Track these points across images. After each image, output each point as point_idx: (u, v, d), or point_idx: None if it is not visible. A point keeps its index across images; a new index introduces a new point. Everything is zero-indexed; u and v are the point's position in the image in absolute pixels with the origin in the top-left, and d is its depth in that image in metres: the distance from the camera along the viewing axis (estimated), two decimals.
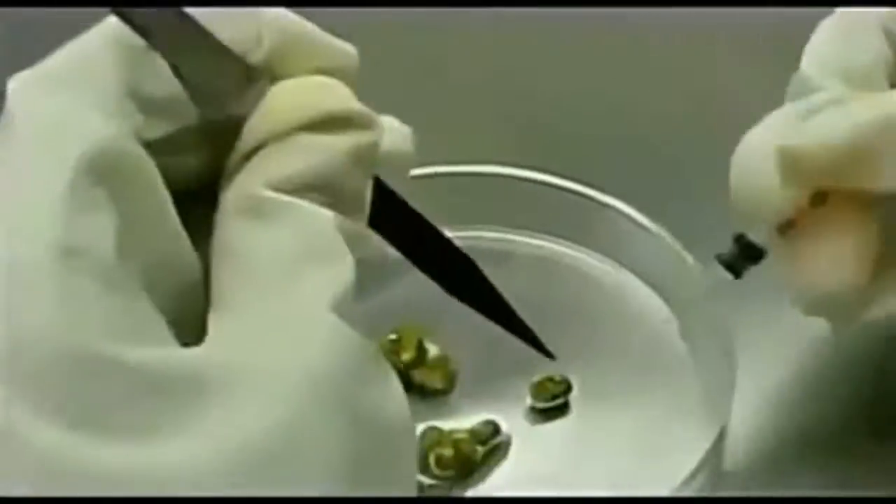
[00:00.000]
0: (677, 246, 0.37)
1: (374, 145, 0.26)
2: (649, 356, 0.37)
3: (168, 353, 0.23)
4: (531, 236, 0.41)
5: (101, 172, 0.23)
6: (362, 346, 0.24)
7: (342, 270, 0.24)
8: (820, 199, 0.33)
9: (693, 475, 0.33)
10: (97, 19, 0.26)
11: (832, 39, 0.34)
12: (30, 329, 0.22)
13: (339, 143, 0.25)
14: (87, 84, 0.25)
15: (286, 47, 0.26)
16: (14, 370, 0.22)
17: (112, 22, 0.25)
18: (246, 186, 0.25)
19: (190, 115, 0.25)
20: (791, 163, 0.32)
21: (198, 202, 0.25)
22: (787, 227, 0.33)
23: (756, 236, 0.34)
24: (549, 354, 0.32)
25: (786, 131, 0.32)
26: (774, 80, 0.34)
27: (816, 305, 0.34)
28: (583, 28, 0.49)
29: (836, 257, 0.33)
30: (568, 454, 0.35)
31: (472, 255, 0.29)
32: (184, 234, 0.25)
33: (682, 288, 0.37)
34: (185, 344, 0.24)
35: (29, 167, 0.23)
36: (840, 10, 0.34)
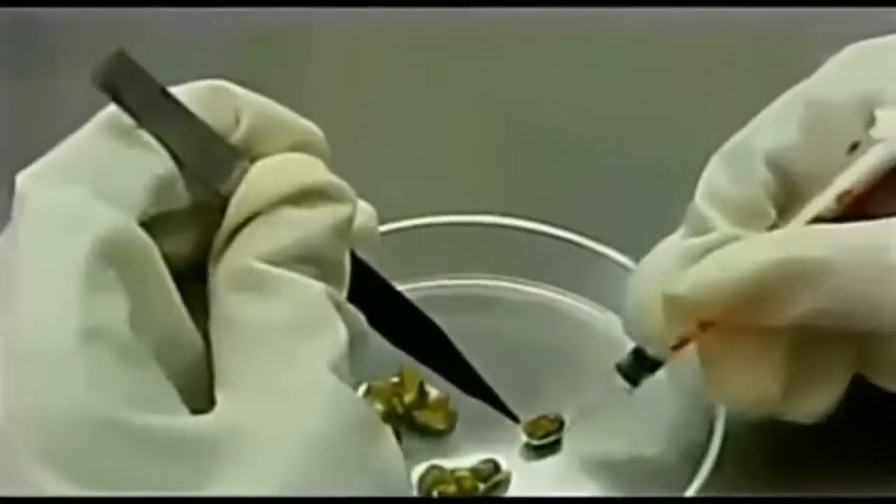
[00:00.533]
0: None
1: (351, 217, 0.28)
2: (637, 392, 0.38)
3: (183, 421, 0.24)
4: (520, 283, 0.42)
5: (111, 258, 0.25)
6: (360, 405, 0.26)
7: (336, 336, 0.26)
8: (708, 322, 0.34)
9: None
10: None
11: (718, 173, 0.35)
12: (62, 405, 0.23)
13: (321, 216, 0.27)
14: (90, 173, 0.26)
15: (262, 127, 0.28)
16: (47, 438, 0.23)
17: (109, 112, 0.27)
18: (238, 260, 0.26)
19: (182, 195, 0.27)
20: (677, 307, 0.34)
21: (189, 280, 0.27)
22: (680, 345, 0.35)
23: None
24: (514, 418, 0.35)
25: (674, 270, 0.34)
26: None
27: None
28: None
29: (739, 379, 0.34)
30: (565, 488, 0.37)
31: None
32: (185, 311, 0.26)
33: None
34: (195, 412, 0.25)
35: (46, 255, 0.25)
36: (728, 144, 0.36)
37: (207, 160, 0.27)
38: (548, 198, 0.45)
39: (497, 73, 0.51)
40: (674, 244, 0.35)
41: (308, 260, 0.27)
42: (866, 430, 0.37)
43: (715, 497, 0.36)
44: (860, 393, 0.36)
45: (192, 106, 0.27)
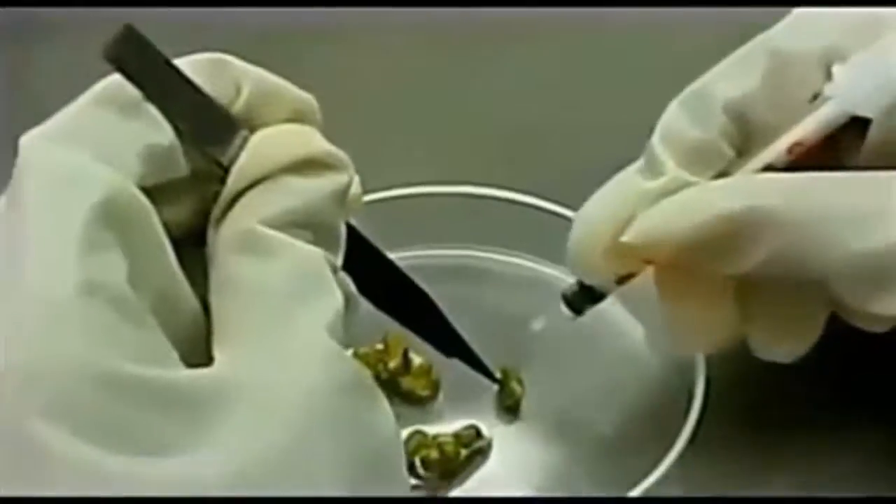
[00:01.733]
0: None
1: (349, 185, 0.29)
2: (618, 360, 0.39)
3: (182, 374, 0.25)
4: (504, 253, 0.43)
5: (110, 217, 0.25)
6: (354, 366, 0.26)
7: (334, 300, 0.27)
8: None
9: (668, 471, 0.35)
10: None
11: (677, 116, 0.35)
12: (63, 356, 0.24)
13: (321, 184, 0.28)
14: (91, 139, 0.26)
15: (261, 98, 0.29)
16: (49, 393, 0.23)
17: (111, 80, 0.27)
18: (239, 223, 0.27)
19: (181, 165, 0.28)
20: (624, 253, 0.34)
21: (187, 247, 0.28)
22: (623, 279, 0.36)
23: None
24: (495, 380, 0.37)
25: (621, 211, 0.34)
26: None
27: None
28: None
29: (685, 321, 0.35)
30: (547, 455, 0.37)
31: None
32: (181, 273, 0.27)
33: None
34: (193, 367, 0.25)
35: (48, 213, 0.25)
36: (688, 89, 0.36)
37: (208, 130, 0.28)
38: (533, 170, 0.45)
39: (491, 61, 0.52)
40: (623, 181, 0.36)
41: (307, 226, 0.27)
42: (845, 394, 0.38)
43: (708, 497, 0.36)
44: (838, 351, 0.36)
45: (194, 77, 0.27)
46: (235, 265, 0.27)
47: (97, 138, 0.26)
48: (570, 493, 0.36)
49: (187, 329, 0.27)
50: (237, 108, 0.28)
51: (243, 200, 0.27)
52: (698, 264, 0.34)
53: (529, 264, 0.43)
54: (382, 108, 0.50)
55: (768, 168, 0.34)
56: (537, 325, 0.39)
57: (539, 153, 0.48)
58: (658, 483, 0.35)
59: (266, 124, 0.28)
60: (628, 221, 0.34)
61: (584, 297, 0.37)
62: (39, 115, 0.27)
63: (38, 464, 0.23)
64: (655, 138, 0.35)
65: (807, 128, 0.34)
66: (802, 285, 0.34)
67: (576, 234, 0.36)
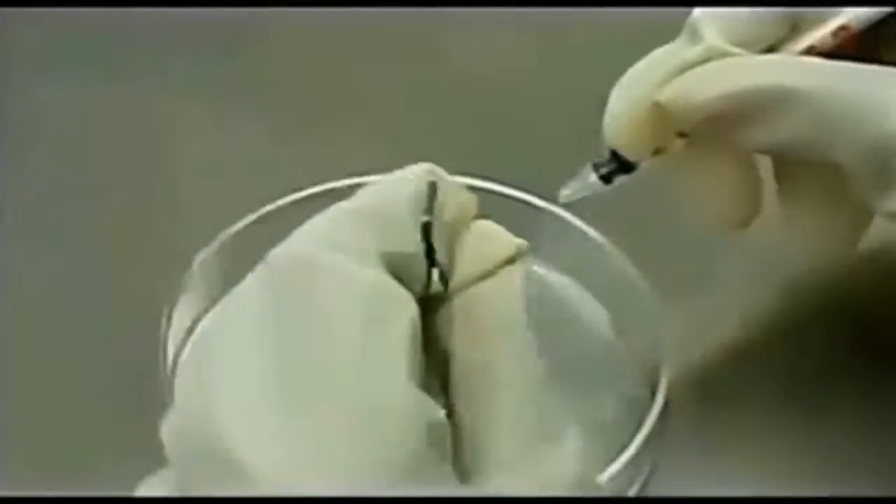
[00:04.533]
0: (608, 243, 0.39)
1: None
2: (583, 346, 0.39)
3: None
4: None
5: (415, 341, 0.26)
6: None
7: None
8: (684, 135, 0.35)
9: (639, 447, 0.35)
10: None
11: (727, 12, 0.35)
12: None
13: (522, 269, 0.30)
14: (376, 255, 0.27)
15: (460, 212, 0.31)
16: None
17: (372, 193, 0.29)
18: (496, 314, 0.29)
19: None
20: (654, 114, 0.35)
21: None
22: (656, 153, 0.36)
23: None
24: None
25: (657, 79, 0.35)
26: None
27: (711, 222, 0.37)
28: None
29: (707, 196, 0.36)
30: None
31: None
32: None
33: (614, 284, 0.39)
34: None
35: (376, 335, 0.25)
36: None
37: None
38: (502, 159, 0.46)
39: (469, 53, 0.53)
40: (662, 53, 0.36)
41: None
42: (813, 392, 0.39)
43: (708, 497, 0.36)
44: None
45: (413, 187, 0.29)
46: (496, 358, 0.28)
47: (379, 255, 0.27)
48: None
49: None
50: (447, 218, 0.30)
51: (475, 292, 0.29)
52: (724, 133, 0.34)
53: None
54: (352, 100, 0.51)
55: (811, 49, 0.35)
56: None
57: (508, 142, 0.49)
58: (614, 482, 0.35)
59: (456, 227, 0.30)
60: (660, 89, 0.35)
61: (615, 167, 0.36)
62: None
63: None
64: (697, 10, 0.35)
65: (855, 12, 0.35)
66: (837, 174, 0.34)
67: (613, 101, 0.36)
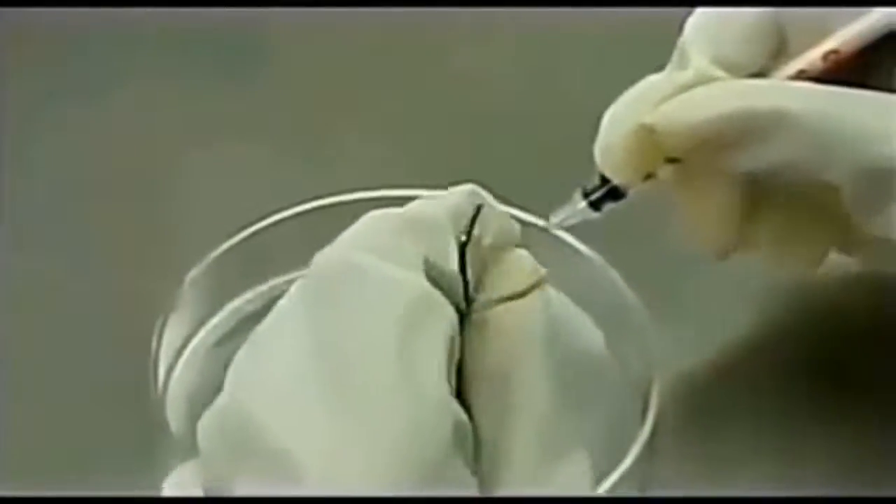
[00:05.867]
0: (601, 260, 0.39)
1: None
2: (575, 363, 0.38)
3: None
4: None
5: (452, 348, 0.28)
6: None
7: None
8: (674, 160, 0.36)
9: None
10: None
11: (708, 16, 0.36)
12: None
13: (546, 299, 0.32)
14: (415, 263, 0.29)
15: (500, 236, 0.32)
16: None
17: (416, 212, 0.31)
18: (516, 335, 0.30)
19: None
20: (643, 138, 0.35)
21: None
22: (647, 177, 0.36)
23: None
24: None
25: (647, 104, 0.35)
26: None
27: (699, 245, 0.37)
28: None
29: (697, 221, 0.36)
30: None
31: None
32: None
33: (606, 301, 0.39)
34: None
35: (418, 340, 0.27)
36: None
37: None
38: (500, 167, 0.46)
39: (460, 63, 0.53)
40: (653, 80, 0.36)
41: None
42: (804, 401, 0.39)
43: (708, 497, 0.37)
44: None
45: (455, 201, 0.31)
46: (519, 374, 0.29)
47: (420, 262, 0.28)
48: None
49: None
50: (487, 242, 0.31)
51: (501, 311, 0.30)
52: (713, 158, 0.34)
53: None
54: (363, 105, 0.51)
55: (801, 73, 0.35)
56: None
57: (506, 148, 0.49)
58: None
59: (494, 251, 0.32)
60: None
61: (604, 194, 0.37)
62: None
63: None
64: (686, 35, 0.36)
65: (844, 36, 0.35)
66: (813, 201, 0.35)
67: (604, 129, 0.36)
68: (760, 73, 0.35)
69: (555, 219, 0.38)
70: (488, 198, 0.32)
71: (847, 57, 0.35)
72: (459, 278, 0.30)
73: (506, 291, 0.31)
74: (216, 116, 0.51)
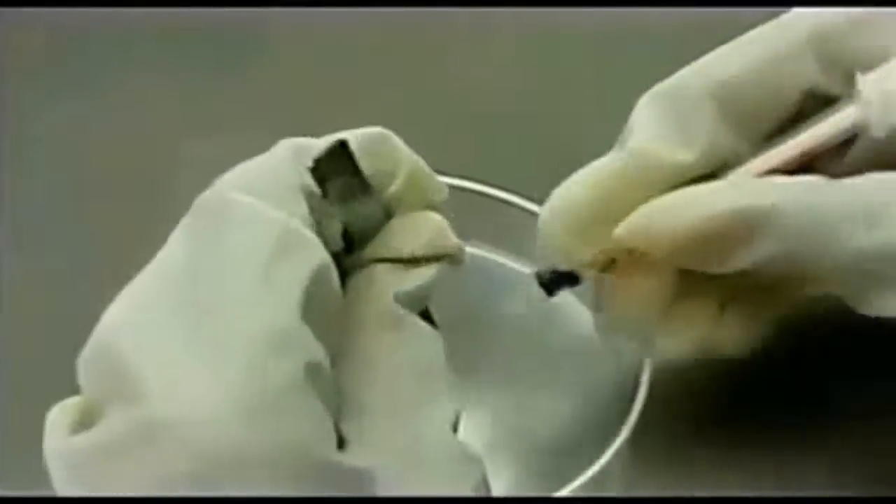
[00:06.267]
0: None
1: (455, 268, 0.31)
2: (564, 354, 0.39)
3: (351, 457, 0.26)
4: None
5: (318, 291, 0.26)
6: (482, 470, 0.27)
7: (452, 397, 0.28)
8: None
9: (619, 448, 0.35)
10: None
11: (650, 106, 0.35)
12: (293, 445, 0.24)
13: (440, 269, 0.30)
14: (288, 202, 0.27)
15: (410, 184, 0.31)
16: (272, 481, 0.24)
17: (290, 145, 0.29)
18: (383, 302, 0.29)
19: (336, 243, 0.29)
20: (612, 246, 0.34)
21: None
22: (605, 267, 0.35)
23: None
24: None
25: (594, 195, 0.34)
26: None
27: (617, 329, 0.37)
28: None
29: (640, 296, 0.35)
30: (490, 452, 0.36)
31: None
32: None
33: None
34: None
35: (273, 276, 0.25)
36: (657, 86, 0.35)
37: (370, 224, 0.30)
38: (498, 162, 0.47)
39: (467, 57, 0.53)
40: (596, 165, 0.35)
41: (419, 307, 0.29)
42: (797, 390, 0.39)
43: (709, 497, 0.37)
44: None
45: (361, 152, 0.29)
46: (375, 341, 0.28)
47: (291, 202, 0.27)
48: (508, 489, 0.37)
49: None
50: (391, 190, 0.30)
51: (376, 274, 0.29)
52: (692, 261, 0.34)
53: (487, 255, 0.43)
54: (362, 101, 0.51)
55: (774, 171, 0.34)
56: (490, 317, 0.39)
57: (506, 146, 0.49)
58: (594, 481, 0.35)
59: (403, 207, 0.31)
60: (598, 206, 0.34)
61: (559, 278, 0.36)
62: None
63: None
64: (629, 122, 0.35)
65: (824, 135, 0.34)
66: (755, 284, 0.35)
67: (547, 218, 0.35)
68: (710, 153, 0.34)
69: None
70: (399, 144, 0.31)
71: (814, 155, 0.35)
72: (339, 223, 0.29)
73: (391, 251, 0.30)
74: (216, 116, 0.51)
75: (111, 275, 0.44)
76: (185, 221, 0.27)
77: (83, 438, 0.24)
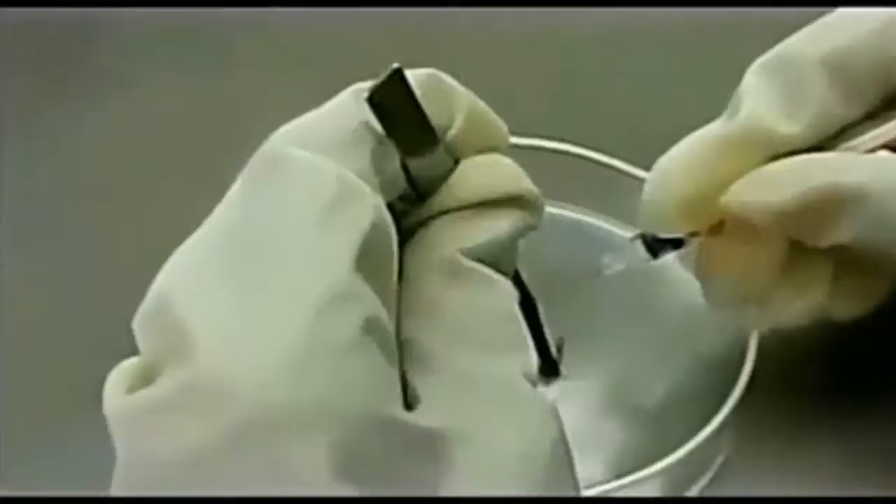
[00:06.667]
0: None
1: (535, 224, 0.29)
2: (672, 317, 0.39)
3: (421, 416, 0.24)
4: (560, 206, 0.42)
5: (374, 244, 0.25)
6: (559, 426, 0.26)
7: (529, 348, 0.27)
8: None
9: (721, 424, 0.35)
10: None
11: (760, 74, 0.35)
12: (350, 402, 0.23)
13: (516, 221, 0.28)
14: (344, 155, 0.26)
15: (471, 128, 0.29)
16: (337, 440, 0.22)
17: (350, 97, 0.27)
18: (447, 249, 0.27)
19: (399, 188, 0.28)
20: (701, 202, 0.34)
21: None
22: (692, 234, 0.36)
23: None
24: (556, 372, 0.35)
25: (700, 162, 0.34)
26: None
27: (723, 302, 0.36)
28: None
29: (747, 263, 0.35)
30: (596, 415, 0.38)
31: None
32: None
33: None
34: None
35: (326, 232, 0.24)
36: (771, 51, 0.35)
37: (417, 144, 0.28)
38: (607, 128, 0.46)
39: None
40: (700, 136, 0.35)
41: (496, 262, 0.28)
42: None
43: (713, 497, 0.36)
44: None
45: (416, 92, 0.27)
46: (440, 291, 0.27)
47: (349, 155, 0.26)
48: (614, 454, 0.36)
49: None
50: (451, 133, 0.28)
51: (441, 223, 0.28)
52: (791, 232, 0.34)
53: (592, 220, 0.43)
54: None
55: (887, 146, 0.34)
56: (596, 280, 0.38)
57: (616, 112, 0.49)
58: (703, 446, 0.35)
59: (468, 152, 0.29)
60: (705, 175, 0.34)
61: (663, 241, 0.36)
62: None
63: None
64: (739, 90, 0.35)
65: None
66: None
67: (652, 186, 0.35)
68: (816, 125, 0.34)
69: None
70: (453, 83, 0.29)
71: None
72: (400, 168, 0.27)
73: (460, 198, 0.28)
74: (216, 115, 0.51)
75: (111, 275, 0.44)
76: (241, 178, 0.26)
77: (138, 396, 0.23)
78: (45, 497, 0.23)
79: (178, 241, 0.41)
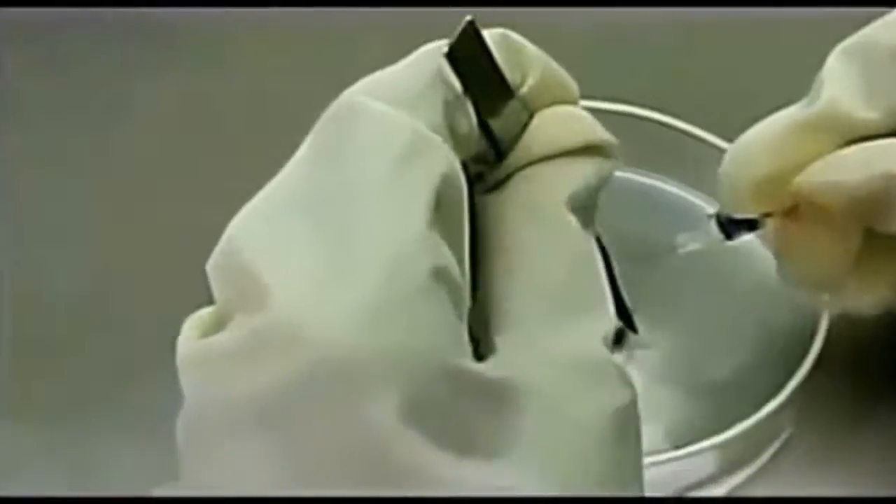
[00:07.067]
0: None
1: (613, 171, 0.29)
2: (745, 294, 0.39)
3: (497, 370, 0.24)
4: (637, 172, 0.43)
5: (444, 195, 0.25)
6: (632, 390, 0.26)
7: (610, 309, 0.27)
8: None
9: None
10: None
11: (841, 60, 0.35)
12: (421, 349, 0.23)
13: (598, 170, 0.29)
14: (418, 107, 0.26)
15: (543, 84, 0.29)
16: (407, 389, 0.22)
17: (430, 51, 0.27)
18: (537, 196, 0.27)
19: (474, 145, 0.28)
20: (777, 184, 0.34)
21: None
22: (766, 214, 0.36)
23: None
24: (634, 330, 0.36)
25: (777, 145, 0.34)
26: None
27: (801, 277, 0.36)
28: None
29: (821, 247, 0.35)
30: (660, 385, 0.38)
31: None
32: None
33: None
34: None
35: (396, 183, 0.24)
36: (852, 37, 0.35)
37: (492, 101, 0.28)
38: (692, 97, 0.46)
39: None
40: (779, 116, 0.35)
41: (582, 209, 0.28)
42: None
43: (714, 497, 0.36)
44: None
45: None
46: (529, 240, 0.27)
47: (422, 108, 0.26)
48: (675, 424, 0.36)
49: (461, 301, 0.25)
50: (524, 91, 0.28)
51: (530, 173, 0.28)
52: (862, 218, 0.34)
53: (673, 189, 0.43)
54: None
55: None
56: (672, 252, 0.39)
57: (701, 83, 0.49)
58: (763, 423, 0.35)
59: (539, 107, 0.29)
60: (782, 156, 0.35)
61: (738, 223, 0.36)
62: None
63: (395, 472, 0.22)
64: (820, 75, 0.35)
65: None
66: None
67: (729, 165, 0.36)
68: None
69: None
70: (525, 42, 0.29)
71: None
72: (471, 114, 0.27)
73: (537, 151, 0.28)
74: (216, 115, 0.51)
75: (111, 275, 0.44)
76: (315, 129, 0.26)
77: (210, 340, 0.24)
78: (45, 497, 0.23)
79: (179, 240, 0.42)
